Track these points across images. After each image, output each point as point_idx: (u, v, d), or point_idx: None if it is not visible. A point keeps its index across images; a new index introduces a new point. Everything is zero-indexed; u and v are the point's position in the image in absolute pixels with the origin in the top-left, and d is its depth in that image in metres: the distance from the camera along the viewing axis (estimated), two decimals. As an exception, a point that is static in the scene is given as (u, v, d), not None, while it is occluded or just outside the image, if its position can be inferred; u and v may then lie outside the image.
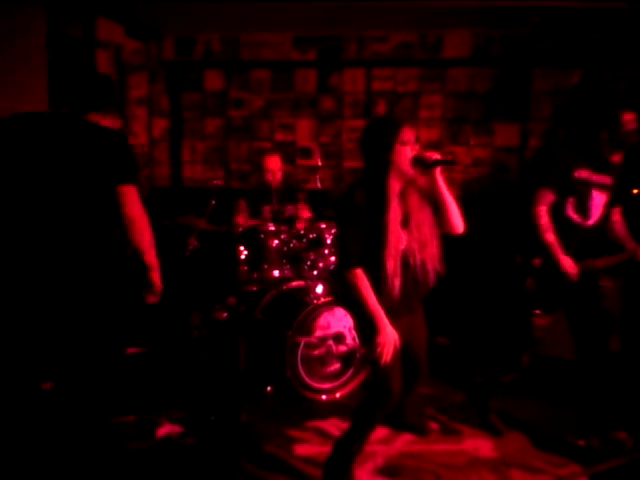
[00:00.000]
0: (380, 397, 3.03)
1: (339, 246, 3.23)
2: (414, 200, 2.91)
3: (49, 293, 2.86)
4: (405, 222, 2.87)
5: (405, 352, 3.14)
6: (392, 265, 2.82)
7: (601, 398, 3.57)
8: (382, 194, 2.82)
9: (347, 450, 3.08)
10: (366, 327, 2.88)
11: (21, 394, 3.49)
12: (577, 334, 3.58)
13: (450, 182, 5.78)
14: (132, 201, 2.85)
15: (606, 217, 3.57)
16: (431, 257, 2.92)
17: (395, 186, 2.83)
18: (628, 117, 3.40)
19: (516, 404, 3.95)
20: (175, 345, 4.60)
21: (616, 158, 3.48)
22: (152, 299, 3.03)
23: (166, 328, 4.69)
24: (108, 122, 2.97)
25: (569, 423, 3.69)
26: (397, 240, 2.82)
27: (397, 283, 2.85)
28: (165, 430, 3.63)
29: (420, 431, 3.64)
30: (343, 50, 5.87)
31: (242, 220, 4.75)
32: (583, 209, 3.49)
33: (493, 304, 4.50)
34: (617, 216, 3.66)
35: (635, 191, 4.63)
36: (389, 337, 2.82)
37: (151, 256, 2.92)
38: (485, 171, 5.81)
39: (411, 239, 2.88)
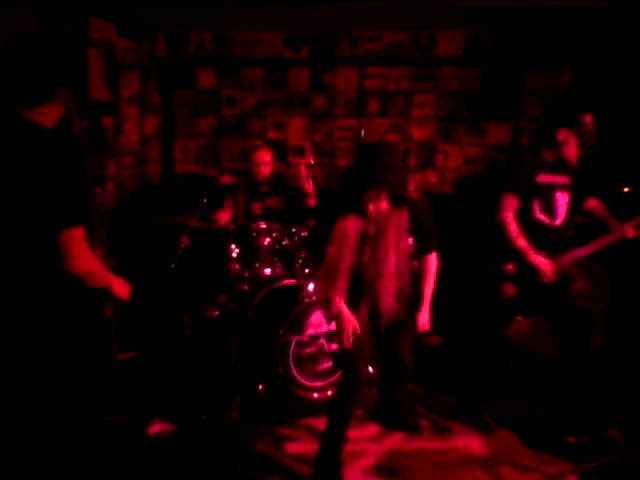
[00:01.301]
0: (348, 387, 3.14)
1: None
2: (389, 226, 3.04)
3: None
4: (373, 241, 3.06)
5: (388, 351, 3.38)
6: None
7: (591, 395, 3.59)
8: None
9: (330, 446, 3.13)
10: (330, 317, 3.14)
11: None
12: (558, 335, 3.62)
13: (443, 181, 5.83)
14: (76, 253, 2.14)
15: (571, 216, 3.63)
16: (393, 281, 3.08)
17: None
18: (588, 119, 3.46)
19: (506, 402, 3.96)
20: (167, 343, 4.59)
21: (573, 159, 3.53)
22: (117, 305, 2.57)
23: (157, 326, 4.68)
24: (46, 117, 2.20)
25: (559, 421, 3.70)
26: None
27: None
28: (156, 429, 3.62)
29: (411, 429, 3.65)
30: (336, 48, 5.86)
31: (225, 217, 4.73)
32: (549, 210, 3.55)
33: (471, 311, 4.49)
34: (592, 202, 3.70)
35: (625, 189, 4.65)
36: (348, 323, 3.02)
37: (107, 284, 2.38)
38: (477, 169, 5.82)
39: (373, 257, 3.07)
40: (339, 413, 3.18)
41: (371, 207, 2.96)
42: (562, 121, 3.51)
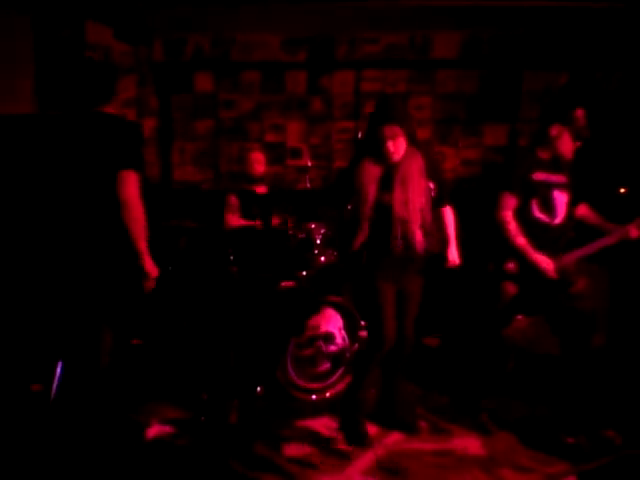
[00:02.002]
0: (374, 342, 3.38)
1: None
2: (410, 168, 3.29)
3: (58, 277, 3.10)
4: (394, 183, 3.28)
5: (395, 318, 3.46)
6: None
7: (589, 396, 3.60)
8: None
9: (352, 402, 3.51)
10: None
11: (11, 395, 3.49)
12: (558, 335, 3.63)
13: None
14: (130, 185, 2.94)
15: (571, 215, 3.63)
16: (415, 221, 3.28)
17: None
18: (579, 113, 3.47)
19: (505, 403, 3.96)
20: (166, 345, 4.59)
21: (568, 154, 3.53)
22: (147, 285, 3.11)
23: (156, 329, 4.67)
24: (113, 109, 3.17)
25: (557, 421, 3.70)
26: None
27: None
28: (155, 431, 3.63)
29: (410, 429, 3.65)
30: (333, 51, 5.87)
31: (234, 219, 4.74)
32: (548, 209, 3.55)
33: (471, 311, 4.49)
34: (583, 210, 3.72)
35: (622, 190, 4.66)
36: None
37: (142, 243, 3.00)
38: (474, 171, 5.82)
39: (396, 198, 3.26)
40: (364, 363, 3.49)
41: (390, 144, 3.21)
42: (555, 117, 3.53)
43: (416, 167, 3.31)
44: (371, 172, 3.28)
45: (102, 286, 3.02)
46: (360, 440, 3.47)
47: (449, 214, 3.55)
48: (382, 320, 3.35)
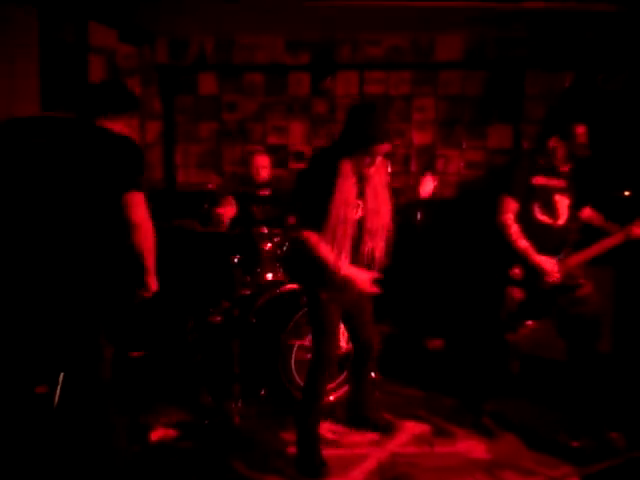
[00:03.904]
0: (317, 361, 3.24)
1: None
2: (381, 179, 3.13)
3: (50, 294, 3.02)
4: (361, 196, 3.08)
5: (353, 332, 3.45)
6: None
7: (593, 399, 3.60)
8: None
9: (305, 428, 3.30)
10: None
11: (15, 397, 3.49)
12: (564, 338, 3.63)
13: (444, 184, 5.83)
14: (138, 208, 2.91)
15: (573, 217, 3.63)
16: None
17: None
18: (580, 130, 3.47)
19: (509, 406, 3.96)
20: (169, 348, 4.59)
21: (565, 169, 3.57)
22: (143, 296, 3.11)
23: (160, 332, 4.68)
24: (118, 127, 3.07)
25: (562, 424, 3.70)
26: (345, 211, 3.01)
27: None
28: (159, 434, 3.63)
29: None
30: (336, 53, 5.88)
31: (229, 212, 4.72)
32: (550, 211, 3.56)
33: (475, 314, 4.48)
34: (587, 212, 3.74)
35: (626, 193, 4.66)
36: (361, 280, 3.08)
37: (150, 261, 3.00)
38: (478, 173, 5.82)
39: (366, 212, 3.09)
40: (311, 386, 3.29)
41: (380, 159, 3.02)
42: (555, 129, 3.54)
43: (385, 178, 3.15)
44: (352, 183, 3.03)
45: (98, 301, 2.98)
46: (317, 473, 3.22)
47: None
48: (330, 341, 3.22)
